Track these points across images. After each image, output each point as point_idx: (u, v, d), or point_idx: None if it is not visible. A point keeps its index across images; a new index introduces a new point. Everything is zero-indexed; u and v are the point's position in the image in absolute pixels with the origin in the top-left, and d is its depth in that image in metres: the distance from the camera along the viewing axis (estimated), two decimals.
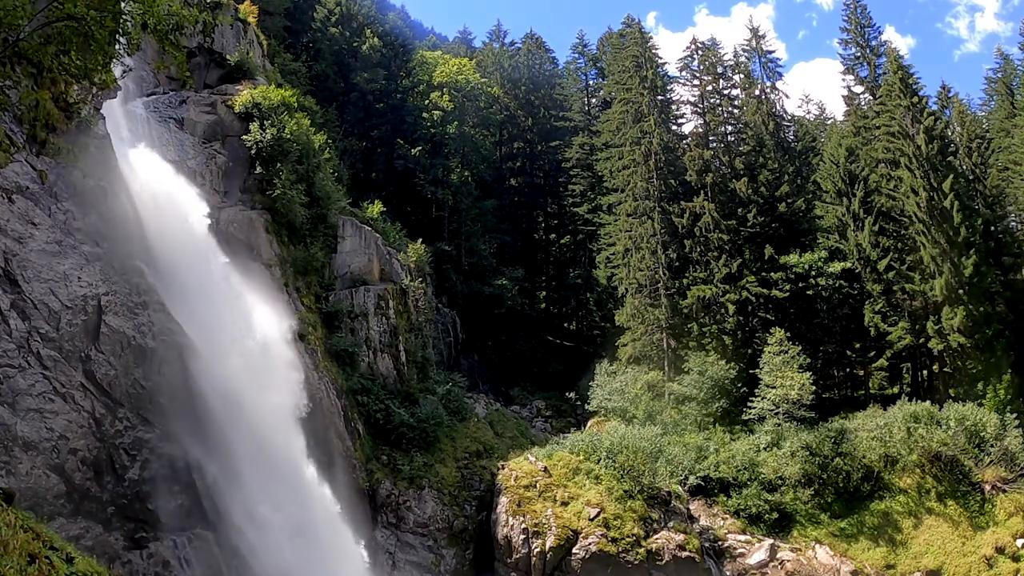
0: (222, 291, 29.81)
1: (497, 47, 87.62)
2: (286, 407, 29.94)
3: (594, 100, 79.79)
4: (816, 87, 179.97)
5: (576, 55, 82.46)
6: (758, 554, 35.35)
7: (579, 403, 48.91)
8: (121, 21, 12.50)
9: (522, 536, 33.27)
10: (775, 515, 37.29)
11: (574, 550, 32.69)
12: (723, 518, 37.45)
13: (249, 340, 29.15)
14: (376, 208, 48.84)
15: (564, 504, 34.48)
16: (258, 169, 37.32)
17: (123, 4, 12.52)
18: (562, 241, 78.39)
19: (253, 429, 27.23)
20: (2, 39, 11.66)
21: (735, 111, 57.25)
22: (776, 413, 40.91)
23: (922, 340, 44.74)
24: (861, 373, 49.59)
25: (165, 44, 13.33)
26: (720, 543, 36.08)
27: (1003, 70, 67.92)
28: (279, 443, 28.74)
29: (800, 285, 47.46)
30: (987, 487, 36.83)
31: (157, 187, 29.27)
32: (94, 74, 12.99)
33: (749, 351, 46.91)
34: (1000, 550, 34.04)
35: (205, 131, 36.67)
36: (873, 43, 56.33)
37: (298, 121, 40.02)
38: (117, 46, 13.04)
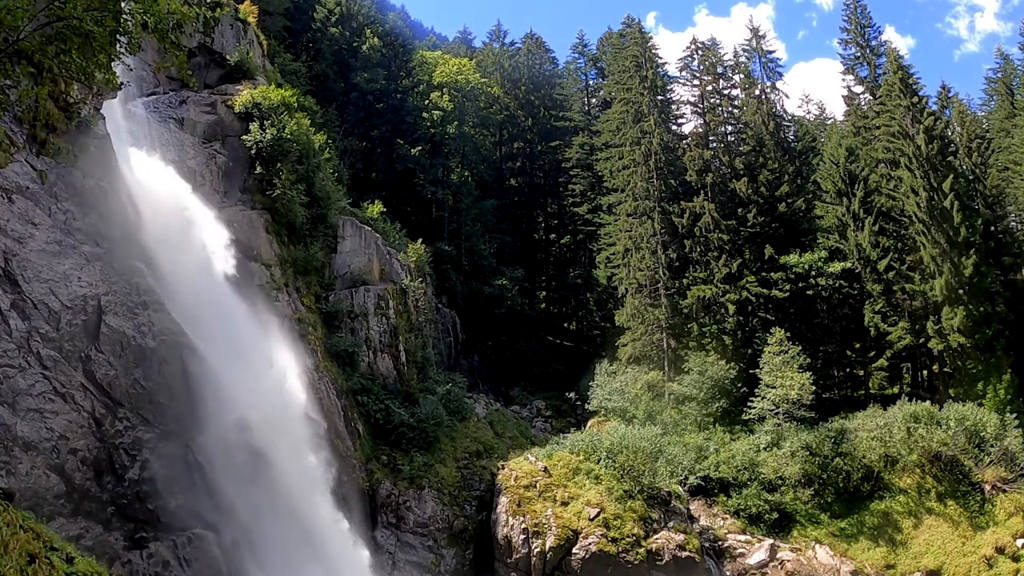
0: (245, 345, 29.52)
1: (497, 47, 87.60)
2: (313, 469, 29.87)
3: (594, 100, 79.81)
4: (816, 87, 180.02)
5: (576, 55, 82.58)
6: (758, 554, 35.35)
7: (579, 403, 48.89)
8: (121, 20, 12.50)
9: (522, 536, 33.26)
10: (775, 515, 37.28)
11: (574, 550, 32.68)
12: (723, 518, 37.44)
13: (277, 411, 28.74)
14: (376, 208, 48.85)
15: (564, 504, 34.47)
16: (258, 169, 37.32)
17: (123, 3, 12.52)
18: (562, 241, 78.39)
19: (276, 493, 27.12)
20: (2, 39, 11.66)
21: (735, 111, 57.24)
22: (776, 413, 40.90)
23: (922, 340, 44.73)
24: (861, 373, 49.58)
25: (166, 43, 13.33)
26: (720, 543, 36.08)
27: (1003, 70, 67.94)
28: (305, 507, 28.59)
29: (800, 285, 47.45)
30: (987, 487, 36.82)
31: (174, 225, 29.11)
32: (95, 74, 12.99)
33: (749, 351, 46.90)
34: (1000, 550, 34.02)
35: (205, 131, 36.66)
36: (873, 43, 56.37)
37: (298, 121, 40.02)
38: (118, 46, 13.04)
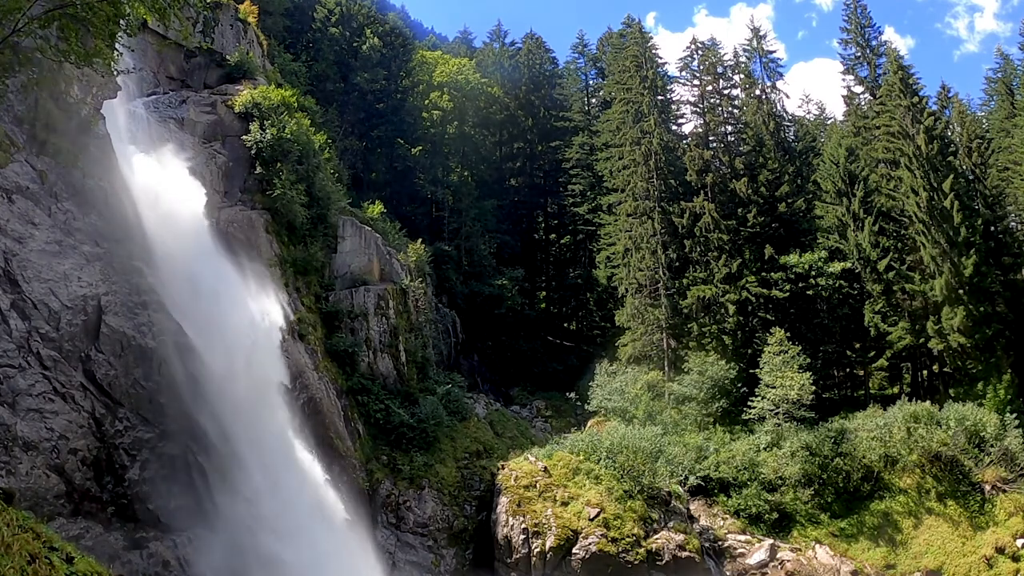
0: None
1: (497, 47, 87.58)
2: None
3: (594, 100, 79.71)
4: (816, 87, 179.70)
5: (576, 55, 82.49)
6: (758, 554, 35.35)
7: (579, 403, 48.83)
8: (119, 5, 12.55)
9: (522, 536, 33.26)
10: (775, 515, 37.27)
11: (574, 550, 32.67)
12: (723, 518, 37.43)
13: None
14: (376, 208, 48.87)
15: (564, 504, 34.46)
16: (258, 169, 37.34)
17: None
18: (562, 241, 78.34)
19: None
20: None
21: (735, 111, 57.18)
22: (776, 413, 40.88)
23: (922, 340, 44.68)
24: (861, 373, 49.54)
25: (166, 20, 13.41)
26: (720, 543, 36.07)
27: (1003, 70, 67.81)
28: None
29: (800, 285, 47.40)
30: (987, 487, 36.81)
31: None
32: (97, 60, 13.02)
33: (749, 351, 46.86)
34: (1000, 550, 34.00)
35: (205, 131, 36.68)
36: (873, 43, 56.34)
37: (298, 121, 40.05)
38: (118, 31, 13.11)
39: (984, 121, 62.60)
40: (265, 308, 31.81)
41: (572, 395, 48.88)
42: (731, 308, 47.88)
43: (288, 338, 33.01)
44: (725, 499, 38.09)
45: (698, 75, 56.46)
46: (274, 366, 30.85)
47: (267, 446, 28.10)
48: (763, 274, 48.56)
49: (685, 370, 46.15)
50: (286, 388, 31.13)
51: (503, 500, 34.70)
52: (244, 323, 29.37)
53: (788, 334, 43.15)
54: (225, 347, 27.26)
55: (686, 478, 38.40)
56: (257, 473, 26.78)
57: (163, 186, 29.72)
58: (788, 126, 61.26)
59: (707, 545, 35.51)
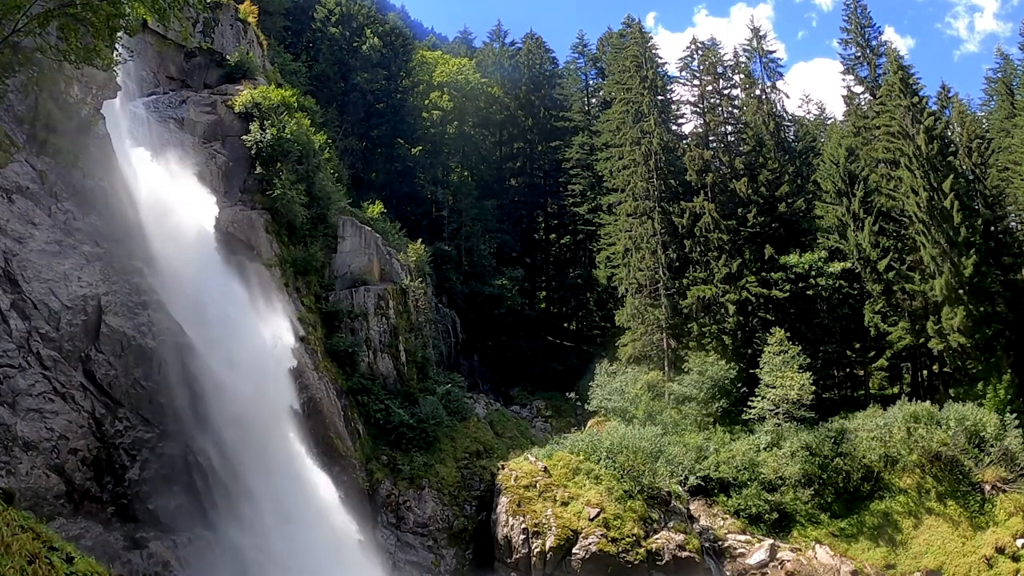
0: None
1: (497, 47, 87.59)
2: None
3: (594, 100, 79.69)
4: (816, 87, 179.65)
5: (576, 55, 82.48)
6: (758, 554, 35.35)
7: (579, 403, 48.83)
8: (119, 5, 12.59)
9: (522, 536, 33.26)
10: (775, 515, 37.26)
11: (574, 550, 32.67)
12: (723, 518, 37.43)
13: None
14: (376, 208, 48.90)
15: (564, 504, 34.46)
16: (258, 169, 37.36)
17: None
18: (562, 241, 78.34)
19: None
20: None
21: (735, 111, 57.18)
22: (776, 413, 40.88)
23: (922, 340, 44.68)
24: (861, 373, 49.54)
25: (165, 21, 13.47)
26: (720, 543, 36.07)
27: (1003, 70, 67.80)
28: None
29: (800, 285, 47.40)
30: (987, 487, 36.80)
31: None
32: (96, 58, 13.05)
33: (749, 351, 46.85)
34: (1000, 550, 33.99)
35: (205, 131, 36.70)
36: (873, 43, 56.34)
37: (298, 121, 40.07)
38: (119, 30, 13.15)
39: (984, 121, 62.57)
40: (276, 331, 31.48)
41: (572, 395, 48.86)
42: (731, 308, 47.87)
43: (299, 357, 32.75)
44: (725, 499, 38.09)
45: (698, 75, 56.46)
46: (285, 391, 30.44)
47: (277, 476, 27.70)
48: (763, 274, 48.55)
49: (685, 370, 46.14)
50: (296, 412, 30.90)
51: (503, 500, 34.70)
52: (254, 349, 28.99)
53: (788, 334, 43.14)
54: (234, 375, 26.84)
55: (686, 478, 38.40)
56: (267, 505, 26.47)
57: (170, 193, 29.67)
58: (788, 126, 61.27)
59: (707, 545, 35.51)
